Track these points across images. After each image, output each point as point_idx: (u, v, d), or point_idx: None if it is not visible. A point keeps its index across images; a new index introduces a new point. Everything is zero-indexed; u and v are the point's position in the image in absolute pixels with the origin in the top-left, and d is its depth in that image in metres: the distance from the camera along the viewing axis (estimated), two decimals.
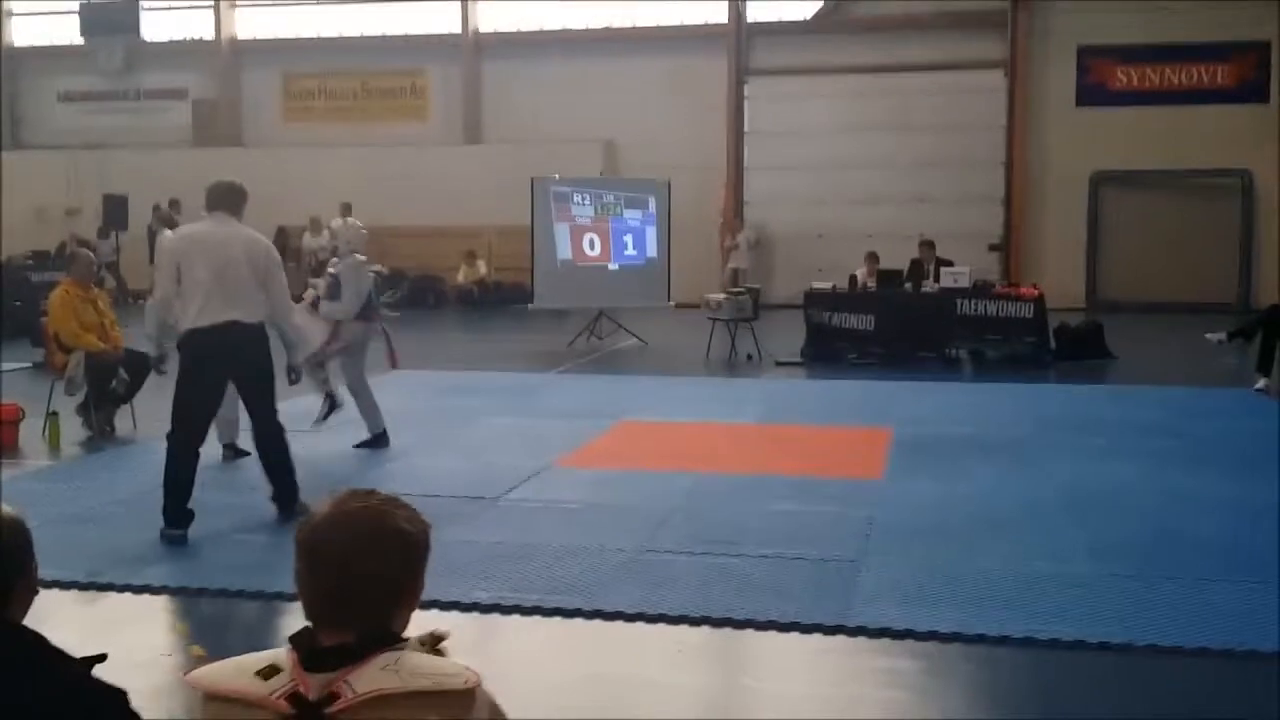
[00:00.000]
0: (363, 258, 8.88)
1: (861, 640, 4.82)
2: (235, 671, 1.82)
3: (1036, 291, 14.17)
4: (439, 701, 1.75)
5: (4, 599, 1.98)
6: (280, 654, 1.83)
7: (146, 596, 5.46)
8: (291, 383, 6.94)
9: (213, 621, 5.24)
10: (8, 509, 2.04)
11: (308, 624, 1.87)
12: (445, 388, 11.74)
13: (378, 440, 8.74)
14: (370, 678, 1.75)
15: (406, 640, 1.88)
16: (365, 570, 1.84)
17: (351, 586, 1.83)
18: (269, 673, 1.79)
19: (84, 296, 9.40)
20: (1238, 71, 21.02)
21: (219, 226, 6.47)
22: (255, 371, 6.55)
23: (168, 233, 7.21)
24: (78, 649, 2.02)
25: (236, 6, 25.41)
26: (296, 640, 1.83)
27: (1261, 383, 11.23)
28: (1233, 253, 20.89)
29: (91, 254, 10.48)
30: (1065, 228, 21.42)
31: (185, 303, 6.28)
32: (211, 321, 6.23)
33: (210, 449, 7.82)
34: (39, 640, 1.99)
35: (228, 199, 6.56)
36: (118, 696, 1.96)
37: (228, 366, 6.46)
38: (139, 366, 9.54)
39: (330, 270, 8.91)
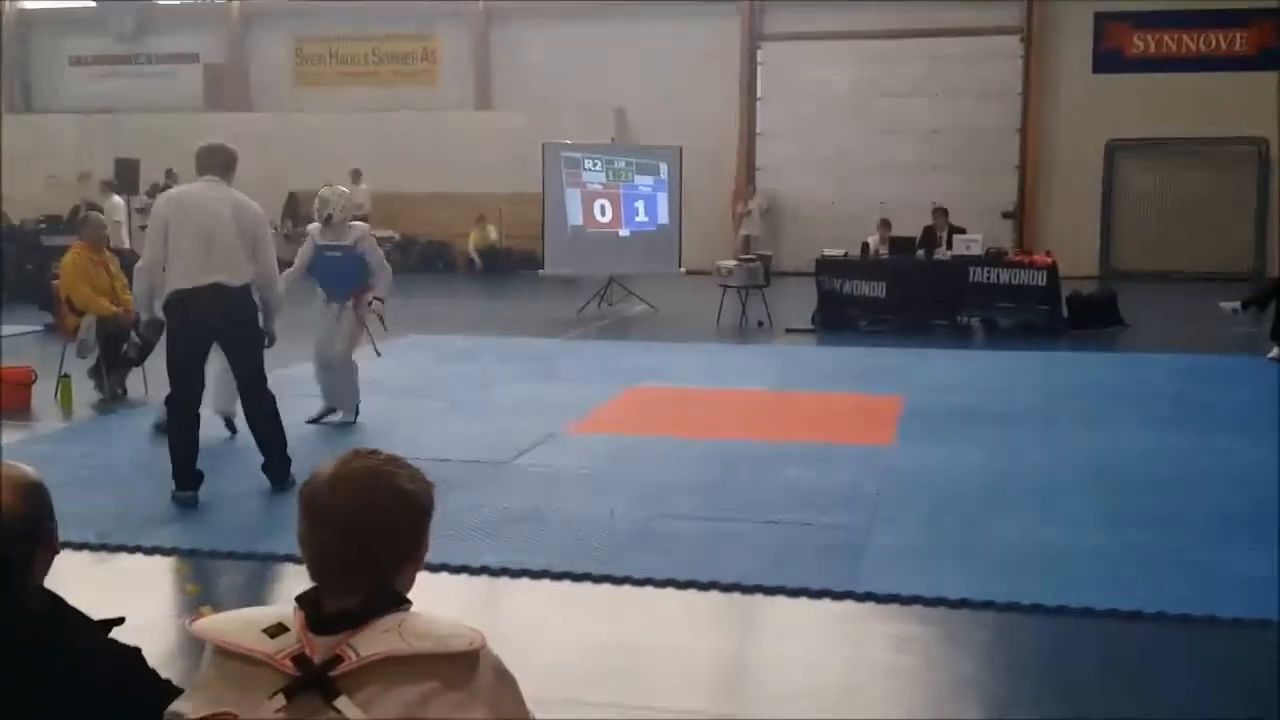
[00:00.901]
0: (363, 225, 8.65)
1: (870, 606, 4.82)
2: (242, 626, 1.81)
3: (1050, 259, 14.10)
4: (443, 663, 1.75)
5: (26, 562, 1.99)
6: (287, 612, 1.82)
7: (157, 558, 5.48)
8: (266, 347, 6.77)
9: (223, 583, 5.26)
10: (30, 472, 2.05)
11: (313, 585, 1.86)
12: (455, 353, 11.74)
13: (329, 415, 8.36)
14: (374, 641, 1.75)
15: (410, 602, 1.86)
16: (369, 530, 1.83)
17: (355, 546, 1.82)
18: (275, 631, 1.78)
19: (96, 260, 9.42)
20: (1256, 38, 20.81)
21: (208, 190, 6.42)
22: (240, 334, 6.50)
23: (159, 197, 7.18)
24: (90, 611, 2.03)
25: None
26: (303, 600, 1.82)
27: (1275, 351, 11.17)
28: (1248, 221, 20.75)
29: (103, 217, 10.47)
30: (1079, 195, 21.28)
31: (171, 264, 6.25)
32: (194, 284, 6.18)
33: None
34: (58, 602, 2.01)
35: (217, 161, 6.50)
36: (133, 654, 1.98)
37: (212, 329, 6.41)
38: (151, 330, 9.56)
39: (323, 240, 8.29)
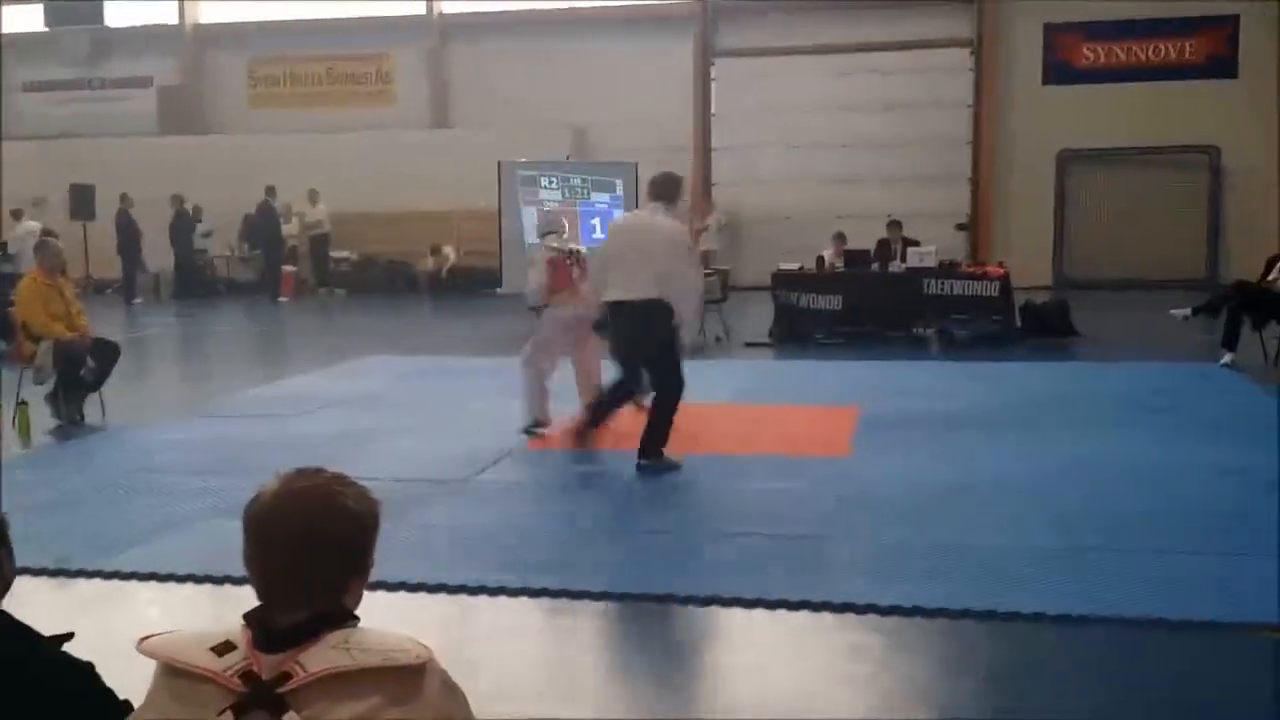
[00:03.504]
0: None
1: (826, 615, 4.88)
2: (190, 644, 1.83)
3: (1002, 270, 14.28)
4: (389, 678, 1.77)
5: None
6: (235, 631, 1.84)
7: (117, 581, 5.48)
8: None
9: (184, 606, 5.26)
10: None
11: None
12: (415, 371, 11.76)
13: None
14: (321, 657, 1.77)
15: (358, 618, 1.89)
16: (315, 548, 1.85)
17: (302, 565, 1.84)
18: (223, 649, 1.80)
19: (52, 285, 9.38)
20: (1205, 46, 21.10)
21: (649, 216, 7.47)
22: (657, 341, 7.34)
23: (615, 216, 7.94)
24: (48, 632, 2.06)
25: None
26: (250, 618, 1.85)
27: (1227, 357, 11.36)
28: (1200, 229, 21.04)
29: (59, 244, 10.42)
30: (1032, 206, 21.53)
31: (611, 277, 7.34)
32: (627, 297, 7.23)
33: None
34: (7, 618, 2.03)
35: (664, 190, 7.46)
36: (86, 670, 2.01)
37: (635, 336, 7.40)
38: (106, 355, 9.54)
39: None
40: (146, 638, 1.88)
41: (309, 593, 1.85)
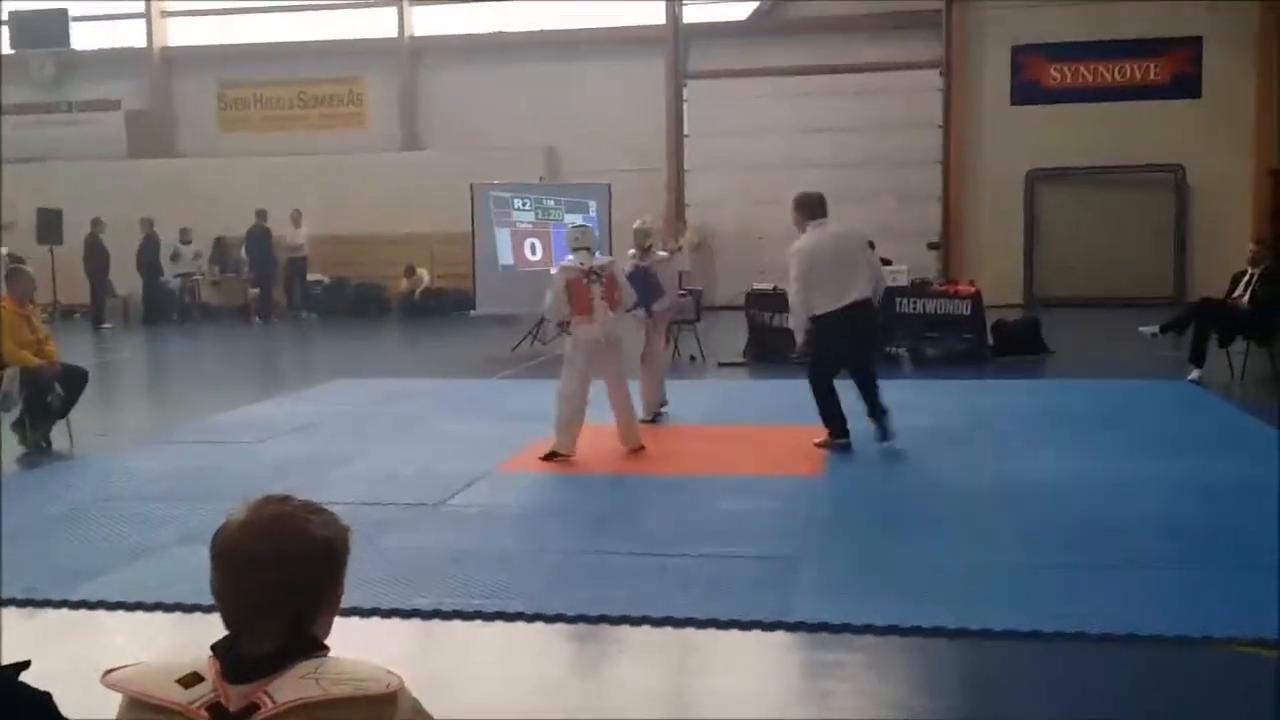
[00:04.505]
0: None
1: (800, 635, 4.88)
2: (156, 676, 1.81)
3: (974, 289, 14.35)
4: (360, 708, 1.75)
5: None
6: (202, 661, 1.82)
7: (84, 611, 5.42)
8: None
9: (152, 635, 5.20)
10: None
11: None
12: (388, 394, 11.70)
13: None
14: (291, 687, 1.75)
15: (328, 648, 1.87)
16: (284, 576, 1.83)
17: (270, 593, 1.82)
18: (190, 681, 1.78)
19: (20, 313, 9.30)
20: (1170, 67, 21.35)
21: (827, 231, 8.33)
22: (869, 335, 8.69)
23: (801, 241, 8.44)
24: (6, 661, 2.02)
25: (168, 16, 25.16)
26: (218, 649, 1.83)
27: (1195, 373, 11.44)
28: (1167, 247, 21.24)
29: (29, 271, 10.32)
30: (1002, 225, 21.69)
31: (817, 291, 8.20)
32: (839, 304, 8.18)
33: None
34: None
35: (821, 207, 8.41)
36: (43, 699, 1.97)
37: (858, 336, 8.46)
38: (74, 381, 9.47)
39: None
40: (111, 670, 1.85)
41: (278, 622, 1.82)
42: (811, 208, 8.36)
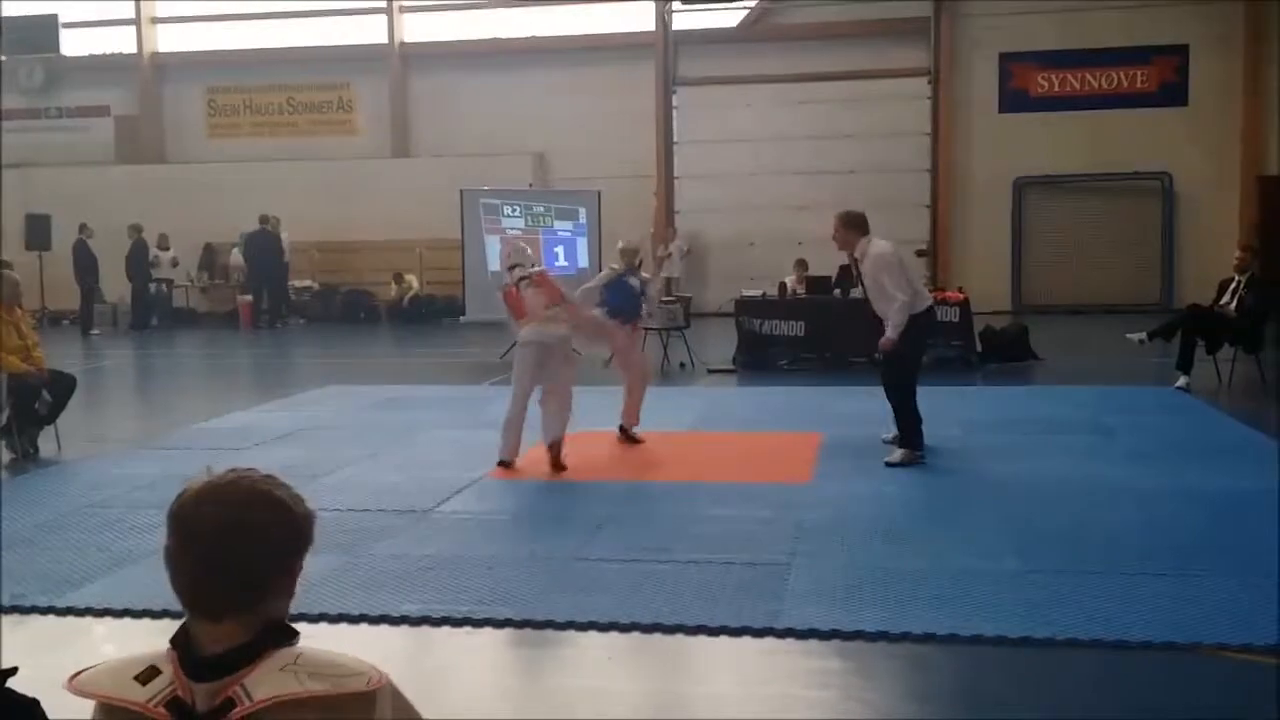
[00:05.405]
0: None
1: (790, 641, 4.88)
2: (113, 675, 1.75)
3: (962, 295, 14.39)
4: (338, 704, 1.68)
5: None
6: (161, 654, 1.75)
7: (72, 619, 5.40)
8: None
9: (139, 643, 5.18)
10: None
11: (184, 622, 1.79)
12: (378, 402, 11.68)
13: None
14: (268, 682, 1.68)
15: (298, 634, 1.79)
16: (239, 538, 1.74)
17: (227, 562, 1.74)
18: (147, 676, 1.71)
19: (8, 319, 9.26)
20: (1157, 75, 21.47)
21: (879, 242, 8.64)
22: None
23: (883, 247, 8.67)
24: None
25: (158, 22, 25.13)
26: (176, 641, 1.76)
27: (1182, 380, 11.47)
28: (1154, 254, 21.34)
29: (16, 276, 10.29)
30: (990, 232, 21.76)
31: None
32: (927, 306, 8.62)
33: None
34: None
35: (864, 223, 8.77)
36: (31, 705, 1.97)
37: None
38: (62, 387, 9.44)
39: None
40: (76, 674, 1.79)
41: (232, 597, 1.74)
42: (864, 224, 8.75)
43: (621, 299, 9.38)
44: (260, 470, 1.86)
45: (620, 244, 10.06)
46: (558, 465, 8.31)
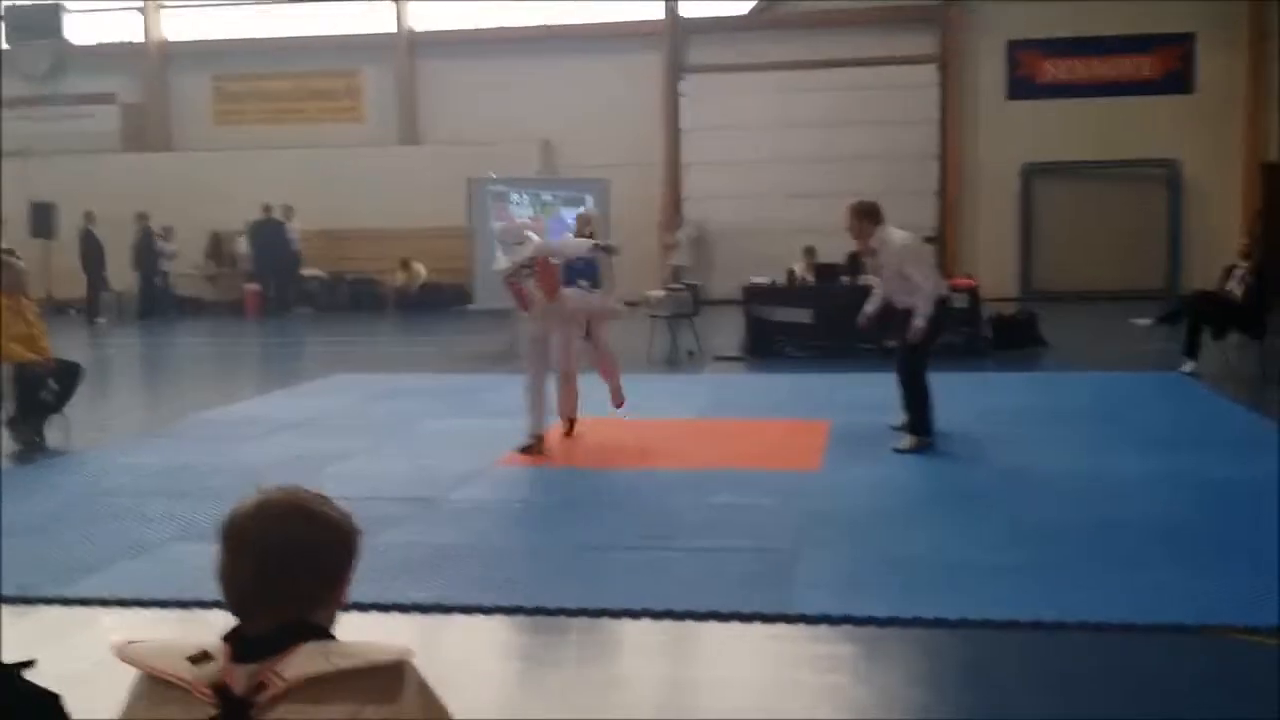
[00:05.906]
0: None
1: (800, 627, 4.87)
2: (166, 652, 1.81)
3: (971, 282, 14.35)
4: (368, 679, 1.75)
5: None
6: (215, 643, 1.82)
7: (80, 608, 5.39)
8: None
9: (149, 632, 5.19)
10: None
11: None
12: (384, 390, 11.68)
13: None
14: (299, 664, 1.74)
15: (334, 636, 1.86)
16: (289, 555, 1.82)
17: (273, 572, 1.81)
18: (200, 658, 1.77)
19: (13, 308, 9.25)
20: (1163, 63, 21.43)
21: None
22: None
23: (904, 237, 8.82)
24: (11, 660, 2.02)
25: (164, 8, 25.10)
26: (230, 636, 1.83)
27: (1188, 365, 11.46)
28: (1161, 240, 21.30)
29: (22, 264, 10.28)
30: (998, 219, 21.73)
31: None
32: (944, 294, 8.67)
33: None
34: None
35: (880, 214, 8.66)
36: (50, 699, 1.97)
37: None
38: (69, 376, 9.43)
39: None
40: (130, 643, 1.84)
41: (282, 606, 1.81)
42: (878, 214, 8.68)
43: (586, 271, 9.23)
44: (309, 489, 1.92)
45: (580, 210, 10.06)
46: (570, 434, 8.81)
